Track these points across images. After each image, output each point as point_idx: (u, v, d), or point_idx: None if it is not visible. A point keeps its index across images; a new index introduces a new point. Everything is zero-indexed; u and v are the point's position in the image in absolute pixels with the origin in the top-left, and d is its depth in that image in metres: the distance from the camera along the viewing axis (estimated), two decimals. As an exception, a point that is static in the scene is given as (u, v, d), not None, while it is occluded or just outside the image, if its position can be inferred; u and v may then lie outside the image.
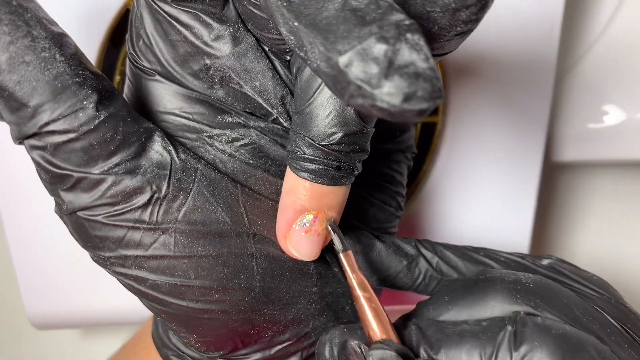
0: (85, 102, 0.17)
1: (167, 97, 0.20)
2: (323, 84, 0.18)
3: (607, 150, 0.40)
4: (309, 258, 0.20)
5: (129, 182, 0.18)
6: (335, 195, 0.19)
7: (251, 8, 0.18)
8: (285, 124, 0.20)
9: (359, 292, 0.19)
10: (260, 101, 0.20)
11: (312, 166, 0.18)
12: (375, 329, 0.19)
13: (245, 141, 0.20)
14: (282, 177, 0.20)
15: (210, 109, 0.20)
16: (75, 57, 0.17)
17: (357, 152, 0.19)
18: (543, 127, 0.36)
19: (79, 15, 0.31)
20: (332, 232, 0.20)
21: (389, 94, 0.12)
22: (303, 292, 0.21)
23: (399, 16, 0.13)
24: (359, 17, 0.13)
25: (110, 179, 0.18)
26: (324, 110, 0.18)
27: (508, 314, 0.19)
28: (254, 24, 0.18)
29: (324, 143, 0.18)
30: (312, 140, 0.18)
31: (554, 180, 0.45)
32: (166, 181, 0.19)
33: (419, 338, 0.19)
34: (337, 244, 0.20)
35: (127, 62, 0.21)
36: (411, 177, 0.35)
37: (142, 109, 0.20)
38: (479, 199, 0.37)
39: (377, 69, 0.13)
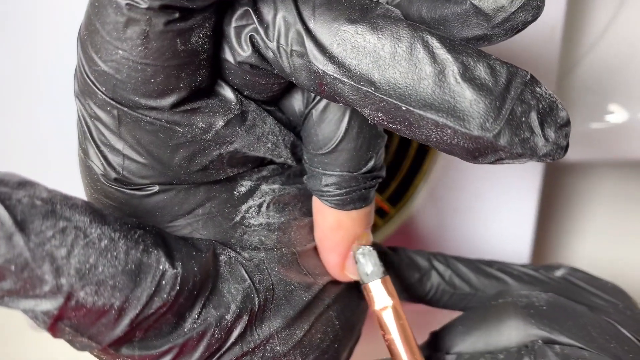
0: (161, 266, 0.15)
1: (178, 203, 0.17)
2: (348, 118, 0.17)
3: (609, 150, 0.40)
4: None
5: (227, 317, 0.16)
6: (372, 208, 0.19)
7: (257, 79, 0.16)
8: (278, 161, 0.19)
9: (393, 320, 0.19)
10: (271, 158, 0.18)
11: (355, 195, 0.18)
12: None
13: (267, 200, 0.19)
14: (304, 215, 0.20)
15: (224, 189, 0.18)
16: (121, 223, 0.15)
17: (383, 165, 0.19)
18: (545, 128, 0.36)
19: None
20: (367, 258, 0.19)
21: (553, 151, 0.13)
22: (359, 307, 0.21)
23: (520, 72, 0.13)
24: (481, 86, 0.13)
25: (210, 326, 0.16)
26: (357, 142, 0.17)
27: (524, 339, 0.19)
28: (253, 90, 0.17)
29: (363, 171, 0.18)
30: (349, 172, 0.18)
31: (556, 181, 0.45)
32: (254, 292, 0.17)
33: None
34: (378, 269, 0.19)
35: (99, 192, 0.17)
36: (411, 178, 0.35)
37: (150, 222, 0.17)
38: (481, 200, 0.37)
39: (534, 135, 0.13)
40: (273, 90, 0.17)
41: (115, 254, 0.14)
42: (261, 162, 0.19)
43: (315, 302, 0.19)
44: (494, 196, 0.37)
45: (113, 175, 0.16)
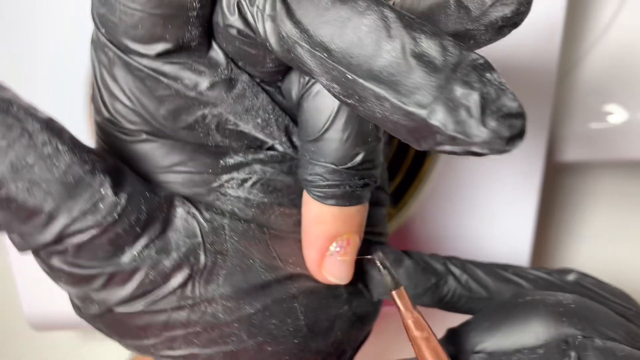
0: (102, 190, 0.15)
1: (161, 156, 0.18)
2: (337, 108, 0.17)
3: (609, 150, 0.40)
4: (347, 280, 0.20)
5: (166, 263, 0.17)
6: (361, 214, 0.19)
7: (246, 48, 0.16)
8: (281, 149, 0.19)
9: (416, 333, 0.18)
10: (261, 136, 0.19)
11: (338, 191, 0.18)
12: None
13: (254, 179, 0.19)
14: (295, 206, 0.20)
15: (210, 155, 0.18)
16: (75, 142, 0.15)
17: (377, 166, 0.18)
18: (545, 128, 0.36)
19: (77, 34, 0.31)
20: (382, 269, 0.19)
21: (490, 140, 0.12)
22: (338, 314, 0.21)
23: (471, 56, 0.13)
24: (428, 63, 0.13)
25: (145, 265, 0.16)
26: (343, 133, 0.17)
27: (555, 338, 0.18)
28: (246, 62, 0.17)
29: (347, 166, 0.17)
30: (334, 165, 0.17)
31: (556, 181, 0.45)
32: (202, 250, 0.17)
33: None
34: (389, 282, 0.19)
35: (98, 128, 0.18)
36: (411, 178, 0.35)
37: (135, 172, 0.18)
38: (481, 200, 0.36)
39: (471, 119, 0.12)
40: (266, 65, 0.17)
41: (56, 162, 0.15)
42: (260, 145, 0.19)
43: (277, 286, 0.19)
44: (494, 196, 0.37)
45: (106, 114, 0.17)
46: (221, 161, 0.18)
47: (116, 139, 0.18)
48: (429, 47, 0.13)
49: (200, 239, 0.17)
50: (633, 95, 0.39)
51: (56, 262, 0.16)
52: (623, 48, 0.38)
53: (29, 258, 0.34)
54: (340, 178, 0.17)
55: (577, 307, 0.19)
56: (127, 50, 0.16)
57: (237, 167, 0.19)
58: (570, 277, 0.22)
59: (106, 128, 0.18)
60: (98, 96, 0.17)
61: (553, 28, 0.34)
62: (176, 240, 0.17)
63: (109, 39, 0.16)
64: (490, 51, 0.35)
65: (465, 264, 0.22)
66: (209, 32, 0.17)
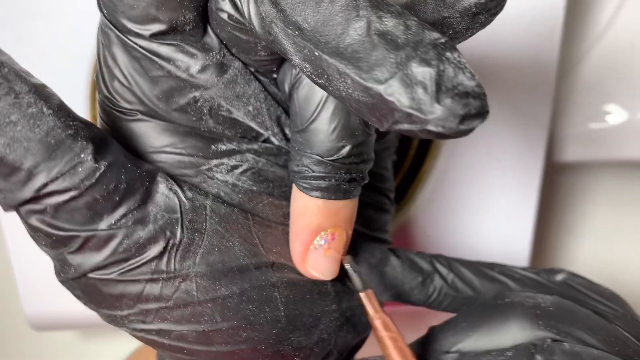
0: (82, 155, 0.16)
1: (153, 135, 0.18)
2: (325, 99, 0.17)
3: (609, 151, 0.40)
4: (331, 276, 0.20)
5: (141, 233, 0.17)
6: (348, 209, 0.19)
7: (236, 33, 0.17)
8: (277, 142, 0.20)
9: (383, 333, 0.19)
10: (253, 125, 0.19)
11: (323, 183, 0.18)
12: None
13: (245, 167, 0.19)
14: (286, 199, 0.20)
15: (202, 140, 0.19)
16: (62, 108, 0.16)
17: (366, 161, 0.18)
18: (544, 128, 0.36)
19: (75, 29, 0.31)
20: (350, 272, 0.19)
21: (444, 118, 0.12)
22: (324, 312, 0.21)
23: (432, 35, 0.13)
24: (390, 41, 0.13)
25: (120, 233, 0.17)
26: (330, 125, 0.17)
27: (530, 340, 0.19)
28: (239, 49, 0.18)
29: (333, 158, 0.17)
30: (320, 157, 0.17)
31: (556, 181, 0.45)
32: (179, 225, 0.18)
33: None
34: (357, 283, 0.19)
35: (100, 105, 0.19)
36: (411, 178, 0.35)
37: (128, 151, 0.19)
38: (480, 199, 0.37)
39: (426, 95, 0.12)
40: (258, 52, 0.17)
41: (39, 123, 0.15)
42: (256, 137, 0.19)
43: (256, 272, 0.19)
44: (493, 196, 0.37)
45: (105, 92, 0.18)
46: (213, 146, 0.19)
47: (114, 117, 0.18)
48: (393, 26, 0.13)
49: (179, 215, 0.18)
50: (633, 95, 0.39)
51: (35, 221, 0.17)
52: (623, 48, 0.38)
53: (29, 258, 0.34)
54: (326, 170, 0.18)
55: (555, 309, 0.19)
56: (125, 30, 0.17)
57: (228, 153, 0.19)
58: (559, 277, 0.22)
59: (105, 106, 0.19)
60: (100, 75, 0.18)
61: (553, 28, 0.34)
62: (155, 214, 0.17)
63: (109, 19, 0.17)
64: (491, 51, 0.35)
65: (451, 263, 0.23)
66: (204, 18, 0.17)
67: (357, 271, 0.19)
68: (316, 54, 0.14)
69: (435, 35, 0.13)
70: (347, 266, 0.20)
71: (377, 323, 0.19)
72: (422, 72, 0.12)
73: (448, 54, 0.13)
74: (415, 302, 0.23)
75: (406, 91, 0.12)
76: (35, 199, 0.16)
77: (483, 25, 0.16)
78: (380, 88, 0.13)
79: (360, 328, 0.22)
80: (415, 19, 0.13)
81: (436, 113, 0.12)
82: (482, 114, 0.13)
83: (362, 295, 0.19)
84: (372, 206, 0.24)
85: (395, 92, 0.13)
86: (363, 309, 0.20)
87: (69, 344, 0.46)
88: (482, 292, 0.22)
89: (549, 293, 0.21)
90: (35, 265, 0.34)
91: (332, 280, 0.21)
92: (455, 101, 0.12)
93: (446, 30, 0.16)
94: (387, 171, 0.25)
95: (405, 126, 0.13)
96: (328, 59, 0.13)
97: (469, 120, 0.12)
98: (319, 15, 0.14)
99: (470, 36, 0.17)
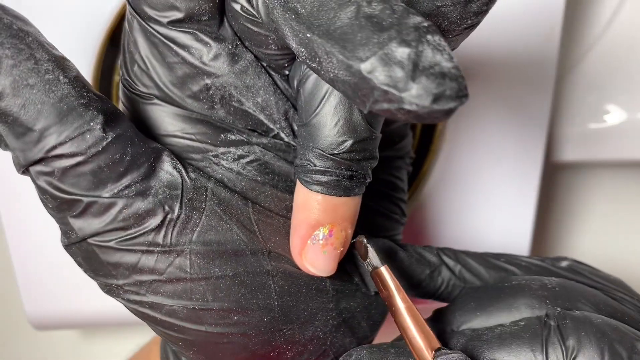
0: (92, 124, 0.17)
1: (167, 120, 0.19)
2: (328, 93, 0.17)
3: (608, 150, 0.40)
4: (327, 273, 0.20)
5: (140, 205, 0.18)
6: (348, 207, 0.19)
7: (249, 25, 0.17)
8: (286, 139, 0.20)
9: (401, 305, 0.19)
10: (262, 117, 0.19)
11: (324, 178, 0.18)
12: (419, 340, 0.19)
13: (251, 158, 0.20)
14: (290, 193, 0.20)
15: (212, 128, 0.19)
16: (78, 80, 0.17)
17: (368, 159, 0.18)
18: (544, 127, 0.36)
19: (78, 14, 0.31)
20: (369, 247, 0.19)
21: (418, 96, 0.13)
22: (320, 308, 0.21)
23: (416, 19, 0.13)
24: (376, 24, 0.13)
25: (121, 202, 0.17)
26: (332, 119, 0.17)
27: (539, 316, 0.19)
28: (251, 42, 0.18)
29: (334, 153, 0.18)
30: (322, 151, 0.18)
31: (555, 180, 0.45)
32: (178, 201, 0.18)
33: (462, 347, 0.19)
34: (375, 258, 0.20)
35: (121, 87, 0.20)
36: (411, 178, 0.35)
37: (143, 133, 0.19)
38: (480, 199, 0.37)
39: (402, 73, 0.13)
40: (269, 46, 0.18)
41: (54, 89, 0.16)
42: (266, 132, 0.19)
43: (251, 258, 0.19)
44: (493, 196, 0.37)
45: (126, 75, 0.19)
46: (222, 135, 0.19)
47: (132, 100, 0.19)
48: (380, 10, 0.14)
49: (179, 192, 0.18)
50: (632, 95, 0.39)
51: (43, 183, 0.17)
52: (622, 48, 0.38)
53: (30, 258, 0.34)
54: (327, 165, 0.18)
55: (560, 289, 0.20)
56: (145, 17, 0.18)
57: (236, 143, 0.19)
58: (564, 264, 0.22)
59: (125, 90, 0.20)
60: (122, 59, 0.19)
61: (552, 28, 0.34)
62: (156, 188, 0.18)
63: (132, 6, 0.18)
64: (490, 51, 0.35)
65: (458, 254, 0.23)
66: (222, 10, 0.18)
67: (374, 247, 0.20)
68: (308, 36, 0.14)
69: (419, 19, 0.14)
70: (364, 241, 0.20)
71: (396, 295, 0.19)
72: (401, 52, 0.13)
73: (429, 37, 0.13)
74: (424, 294, 0.23)
75: (384, 69, 0.13)
76: (44, 160, 0.17)
77: (477, 15, 0.16)
78: (361, 66, 0.13)
79: (359, 332, 0.22)
80: (403, 4, 0.14)
81: (411, 91, 0.13)
82: (459, 97, 0.13)
83: (382, 269, 0.19)
84: (382, 214, 0.24)
85: (374, 70, 0.13)
86: (378, 285, 0.20)
87: (70, 344, 0.46)
88: (490, 281, 0.22)
89: (555, 277, 0.21)
90: (36, 265, 0.34)
91: (332, 279, 0.21)
92: (430, 80, 0.13)
93: (441, 21, 0.16)
94: (401, 182, 0.25)
95: (384, 105, 0.13)
96: (318, 39, 0.14)
97: (443, 101, 0.13)
98: (315, 1, 0.14)
99: (467, 29, 0.17)
